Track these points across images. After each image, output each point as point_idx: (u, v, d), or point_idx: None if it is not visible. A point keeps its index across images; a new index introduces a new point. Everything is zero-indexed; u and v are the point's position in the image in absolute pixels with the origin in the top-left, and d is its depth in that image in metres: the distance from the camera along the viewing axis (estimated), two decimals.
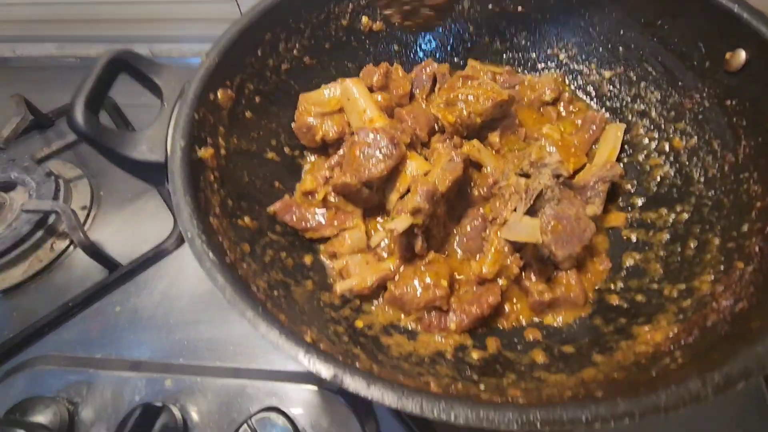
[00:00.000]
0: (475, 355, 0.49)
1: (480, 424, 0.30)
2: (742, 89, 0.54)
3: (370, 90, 0.69)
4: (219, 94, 0.57)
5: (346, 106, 0.66)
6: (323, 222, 0.61)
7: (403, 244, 0.56)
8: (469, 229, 0.60)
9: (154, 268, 0.78)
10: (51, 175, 0.85)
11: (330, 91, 0.68)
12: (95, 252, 0.74)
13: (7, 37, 1.14)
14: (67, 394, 0.64)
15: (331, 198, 0.62)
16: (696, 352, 0.37)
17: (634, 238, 0.59)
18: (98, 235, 0.82)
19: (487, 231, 0.58)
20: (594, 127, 0.67)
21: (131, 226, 0.84)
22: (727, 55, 0.55)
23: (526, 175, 0.58)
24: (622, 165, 0.65)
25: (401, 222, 0.53)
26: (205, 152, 0.52)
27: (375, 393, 0.32)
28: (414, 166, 0.60)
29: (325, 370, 0.33)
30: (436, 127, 0.68)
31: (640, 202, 0.63)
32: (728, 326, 0.39)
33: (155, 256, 0.78)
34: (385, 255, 0.59)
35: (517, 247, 0.56)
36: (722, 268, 0.46)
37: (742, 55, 0.54)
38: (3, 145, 0.87)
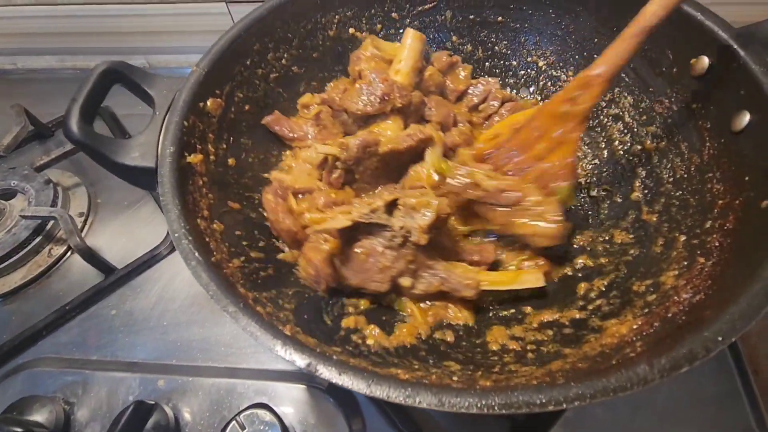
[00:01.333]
0: (450, 351, 0.52)
1: (442, 408, 0.32)
2: (706, 93, 0.57)
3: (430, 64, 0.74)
4: (209, 102, 0.60)
5: (398, 49, 0.71)
6: (309, 134, 0.70)
7: (324, 169, 0.63)
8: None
9: (149, 272, 0.80)
10: (50, 182, 0.88)
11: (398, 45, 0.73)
12: (92, 256, 0.76)
13: (9, 50, 1.17)
14: (63, 394, 0.66)
15: (322, 116, 0.70)
16: (654, 340, 0.40)
17: (607, 238, 0.62)
18: (95, 241, 0.85)
19: None
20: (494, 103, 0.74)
21: (127, 232, 0.87)
22: (692, 61, 0.58)
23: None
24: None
25: (326, 148, 0.61)
26: (194, 158, 0.55)
27: (346, 380, 0.34)
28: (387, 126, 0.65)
29: (300, 359, 0.35)
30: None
31: (614, 204, 0.65)
32: (685, 316, 0.41)
33: (150, 260, 0.81)
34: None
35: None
36: (686, 263, 0.49)
37: (705, 60, 0.56)
38: (3, 153, 0.89)
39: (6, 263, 0.80)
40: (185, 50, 1.13)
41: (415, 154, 0.62)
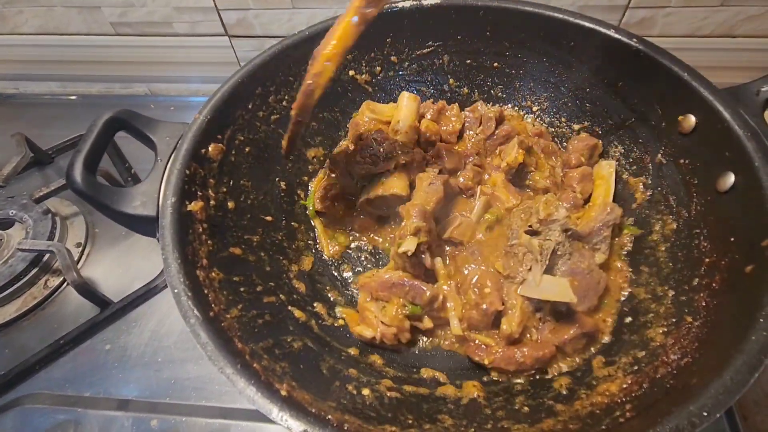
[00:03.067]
0: (452, 405, 0.52)
1: None
2: (693, 150, 0.59)
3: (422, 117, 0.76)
4: (210, 148, 0.61)
5: (394, 110, 0.74)
6: None
7: (414, 264, 0.61)
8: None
9: (145, 306, 0.81)
10: (48, 212, 0.88)
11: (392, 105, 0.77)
12: (88, 291, 0.76)
13: (12, 75, 1.19)
14: None
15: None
16: (643, 405, 0.40)
17: None
18: (91, 272, 0.85)
19: (505, 289, 0.60)
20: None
21: (123, 263, 0.87)
22: (680, 118, 0.60)
23: (536, 233, 0.60)
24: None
25: (409, 243, 0.59)
26: (194, 205, 0.55)
27: None
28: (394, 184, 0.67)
29: (296, 427, 0.36)
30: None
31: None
32: (673, 380, 0.42)
33: (146, 293, 0.81)
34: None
35: (537, 305, 0.59)
36: (674, 320, 0.50)
37: (692, 119, 0.59)
38: (2, 183, 0.90)
39: (1, 295, 0.80)
40: (187, 79, 1.15)
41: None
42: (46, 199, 0.90)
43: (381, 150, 0.67)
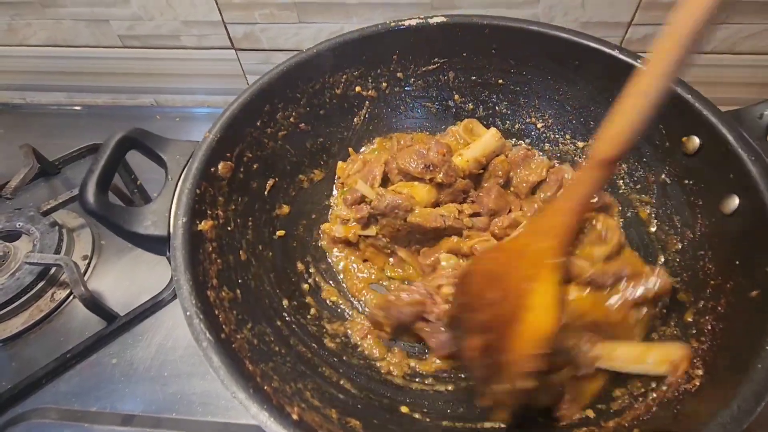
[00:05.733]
0: None
1: None
2: (697, 171, 0.59)
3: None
4: (220, 166, 0.62)
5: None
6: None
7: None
8: None
9: (151, 320, 0.81)
10: (55, 225, 0.89)
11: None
12: (95, 305, 0.77)
13: (19, 86, 1.20)
14: None
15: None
16: (650, 431, 0.41)
17: None
18: (98, 285, 0.85)
19: None
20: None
21: (130, 276, 0.87)
22: (684, 139, 0.61)
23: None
24: None
25: (365, 188, 0.67)
26: (205, 225, 0.56)
27: None
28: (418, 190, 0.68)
29: None
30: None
31: None
32: (680, 405, 0.42)
33: (152, 307, 0.81)
34: None
35: None
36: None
37: (696, 140, 0.59)
38: (10, 195, 0.90)
39: (9, 308, 0.80)
40: (193, 91, 1.16)
41: (438, 234, 0.64)
42: (54, 211, 0.91)
43: (429, 159, 0.67)
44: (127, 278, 0.87)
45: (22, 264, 0.84)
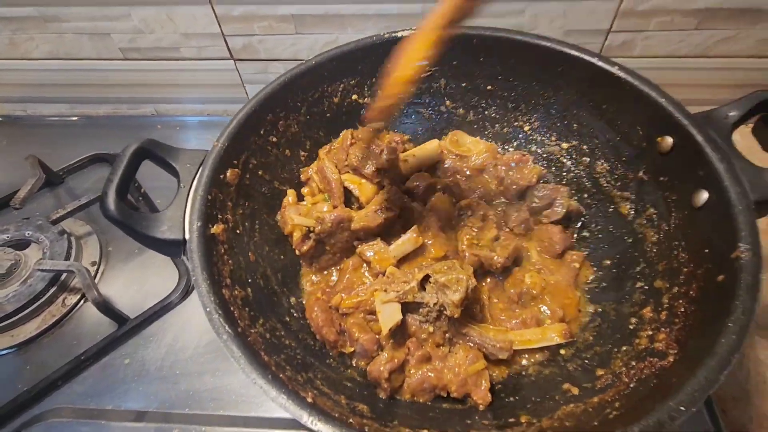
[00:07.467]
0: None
1: None
2: (671, 169, 0.64)
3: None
4: (228, 173, 0.66)
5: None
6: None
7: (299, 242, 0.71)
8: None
9: (161, 321, 0.84)
10: (64, 233, 0.92)
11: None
12: (107, 308, 0.80)
13: (21, 98, 1.22)
14: None
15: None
16: (630, 403, 0.46)
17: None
18: (107, 289, 0.89)
19: None
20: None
21: (138, 280, 0.91)
22: (659, 139, 0.66)
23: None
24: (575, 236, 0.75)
25: (302, 220, 0.69)
26: (216, 228, 0.60)
27: None
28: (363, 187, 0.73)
29: (326, 430, 0.40)
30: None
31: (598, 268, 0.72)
32: (656, 380, 0.47)
33: (161, 309, 0.85)
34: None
35: None
36: (656, 325, 0.55)
37: (669, 140, 0.64)
38: (18, 205, 0.93)
39: (22, 314, 0.83)
40: (193, 100, 1.19)
41: (385, 229, 0.69)
42: (63, 220, 0.94)
43: (382, 161, 0.73)
44: (134, 283, 0.91)
45: (34, 271, 0.87)
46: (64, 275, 0.88)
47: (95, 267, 0.92)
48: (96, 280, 0.90)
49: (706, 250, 0.55)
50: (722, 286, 0.49)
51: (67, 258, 0.89)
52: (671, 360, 0.48)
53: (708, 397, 0.69)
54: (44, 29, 1.05)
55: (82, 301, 0.87)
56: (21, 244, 0.92)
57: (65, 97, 1.21)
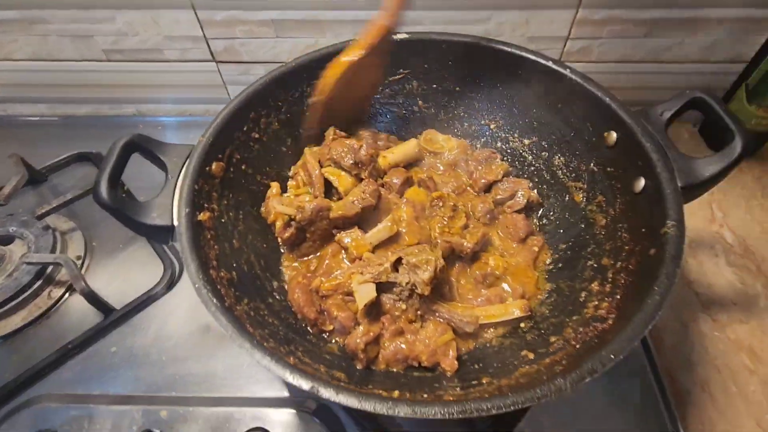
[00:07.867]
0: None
1: (414, 416, 0.43)
2: (616, 160, 0.72)
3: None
4: (213, 165, 0.70)
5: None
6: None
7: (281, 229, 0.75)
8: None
9: (146, 312, 0.87)
10: (48, 228, 0.94)
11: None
12: (94, 299, 0.83)
13: (2, 98, 1.23)
14: (69, 428, 0.72)
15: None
16: (573, 360, 0.52)
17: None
18: (93, 283, 0.90)
19: None
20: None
21: (123, 273, 0.93)
22: (605, 134, 0.74)
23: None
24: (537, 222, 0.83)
25: (284, 208, 0.74)
26: (203, 215, 0.64)
27: (342, 399, 0.44)
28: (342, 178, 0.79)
29: (305, 384, 0.45)
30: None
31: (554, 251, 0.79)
32: (597, 340, 0.54)
33: (146, 300, 0.88)
34: None
35: None
36: (601, 296, 0.62)
37: (614, 135, 0.72)
38: (3, 202, 0.95)
39: (7, 306, 0.85)
40: (175, 101, 1.23)
41: (363, 218, 0.75)
42: (48, 215, 0.96)
43: (361, 155, 0.79)
44: (119, 277, 0.93)
45: (19, 265, 0.89)
46: (50, 268, 0.90)
47: (80, 261, 0.94)
48: None
49: (643, 230, 0.63)
50: (654, 258, 0.57)
51: (53, 252, 0.92)
52: (610, 323, 0.55)
53: (655, 367, 0.78)
54: (29, 31, 1.07)
55: (67, 294, 0.90)
56: (5, 240, 0.94)
57: (47, 97, 1.23)
